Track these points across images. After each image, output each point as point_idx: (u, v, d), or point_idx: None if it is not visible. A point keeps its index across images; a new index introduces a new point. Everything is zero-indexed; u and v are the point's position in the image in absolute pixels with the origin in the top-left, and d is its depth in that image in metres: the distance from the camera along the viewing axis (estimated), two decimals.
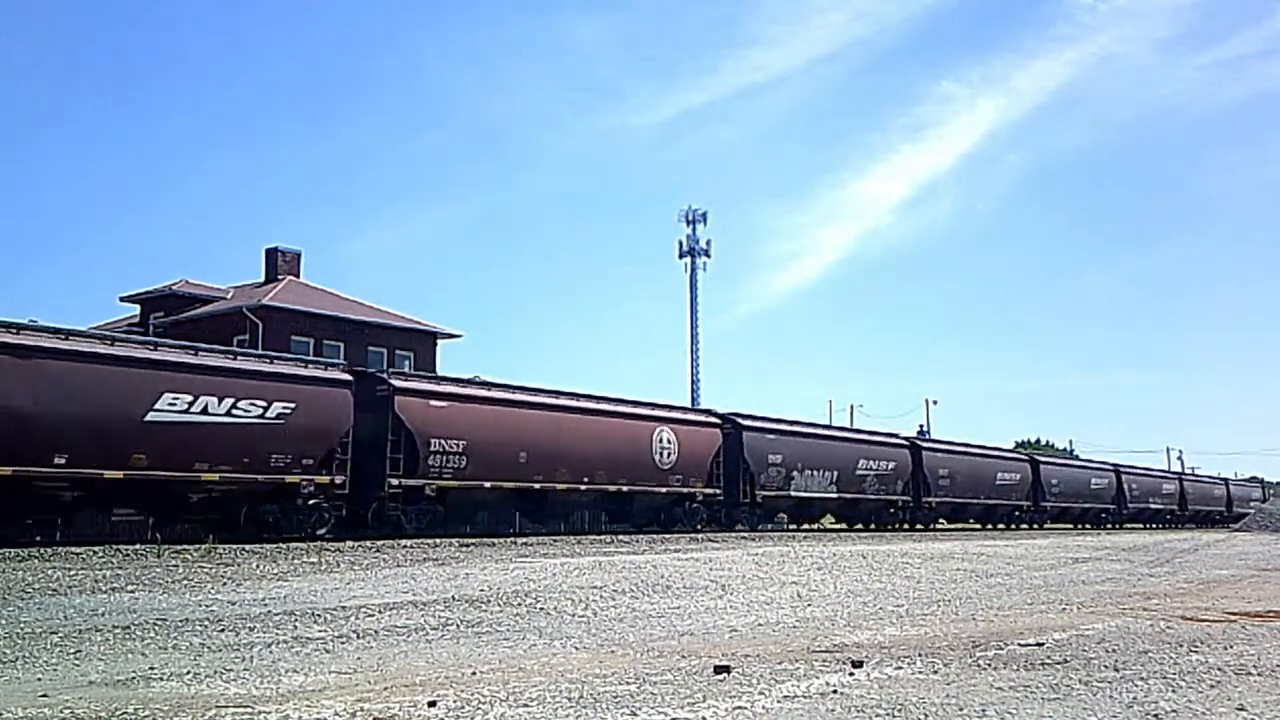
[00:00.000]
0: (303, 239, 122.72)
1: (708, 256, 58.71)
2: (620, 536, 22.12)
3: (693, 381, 56.00)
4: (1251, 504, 62.85)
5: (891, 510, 34.27)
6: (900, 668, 6.25)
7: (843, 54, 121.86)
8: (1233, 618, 9.75)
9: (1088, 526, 45.69)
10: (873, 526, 33.42)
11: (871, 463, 33.38)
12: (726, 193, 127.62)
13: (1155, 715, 4.90)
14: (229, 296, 37.88)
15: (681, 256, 58.80)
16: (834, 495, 31.45)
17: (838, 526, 33.40)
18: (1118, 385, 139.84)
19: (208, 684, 5.74)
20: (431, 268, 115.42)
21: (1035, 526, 41.02)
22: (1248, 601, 11.84)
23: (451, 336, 40.31)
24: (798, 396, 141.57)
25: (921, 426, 59.78)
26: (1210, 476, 69.80)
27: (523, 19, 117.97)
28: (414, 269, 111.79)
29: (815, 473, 30.52)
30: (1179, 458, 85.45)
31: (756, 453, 28.39)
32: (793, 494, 29.69)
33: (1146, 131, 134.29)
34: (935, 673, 6.08)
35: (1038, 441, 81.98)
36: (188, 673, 6.09)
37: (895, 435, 37.06)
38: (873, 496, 33.27)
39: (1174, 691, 5.53)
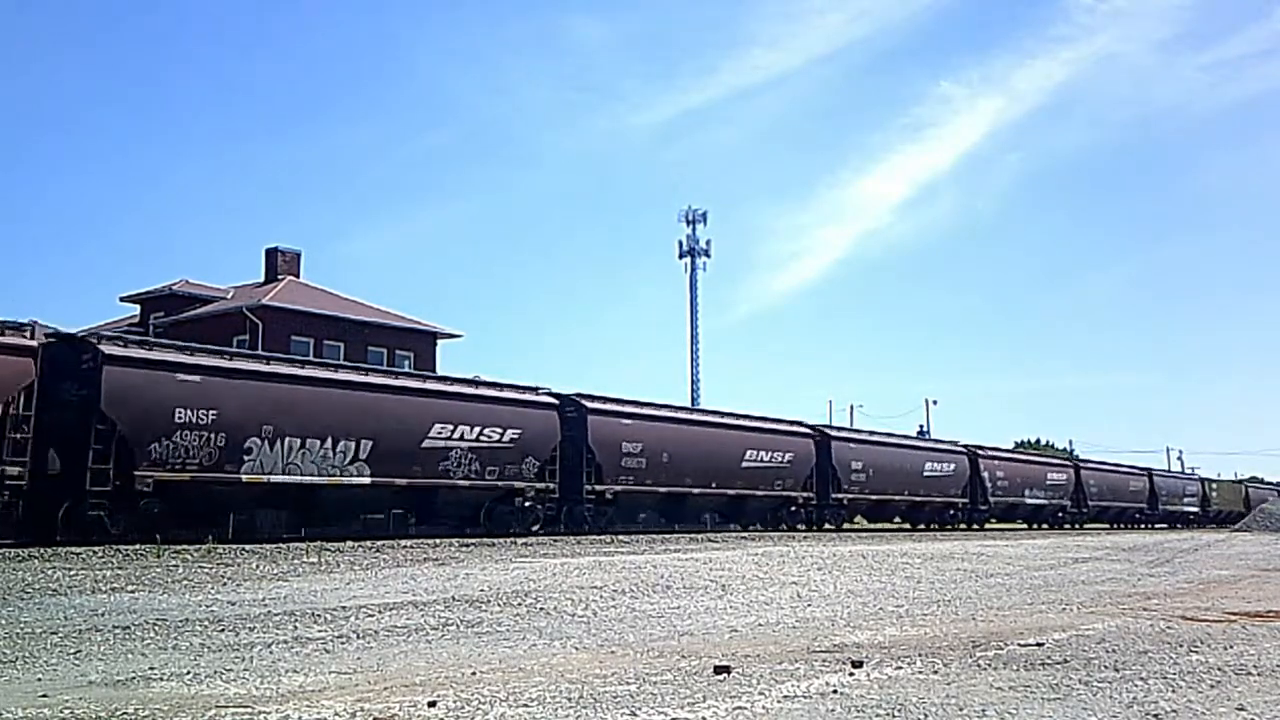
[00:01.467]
0: (303, 239, 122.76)
1: (708, 256, 58.82)
2: (620, 537, 22.13)
3: (693, 381, 56.03)
4: (1186, 499, 59.27)
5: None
6: (900, 668, 6.25)
7: (842, 54, 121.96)
8: (1233, 618, 9.75)
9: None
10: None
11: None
12: (726, 193, 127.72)
13: (1155, 715, 4.90)
14: (229, 296, 37.88)
15: (681, 256, 58.91)
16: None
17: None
18: (1118, 385, 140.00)
19: (208, 684, 5.74)
20: (431, 268, 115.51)
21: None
22: (1248, 601, 11.84)
23: (451, 336, 40.33)
24: (798, 396, 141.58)
25: (921, 426, 59.81)
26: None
27: (523, 19, 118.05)
28: (414, 269, 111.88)
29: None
30: (1179, 458, 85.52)
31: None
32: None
33: (1146, 132, 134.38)
34: (935, 673, 6.08)
35: (1037, 441, 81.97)
36: (188, 673, 6.09)
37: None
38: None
39: (1174, 691, 5.53)
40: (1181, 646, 7.42)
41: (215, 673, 6.09)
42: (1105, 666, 6.39)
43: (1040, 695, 5.34)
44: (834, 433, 33.81)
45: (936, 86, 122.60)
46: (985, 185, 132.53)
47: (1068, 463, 44.20)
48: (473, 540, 18.90)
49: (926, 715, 4.80)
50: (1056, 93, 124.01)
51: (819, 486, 31.29)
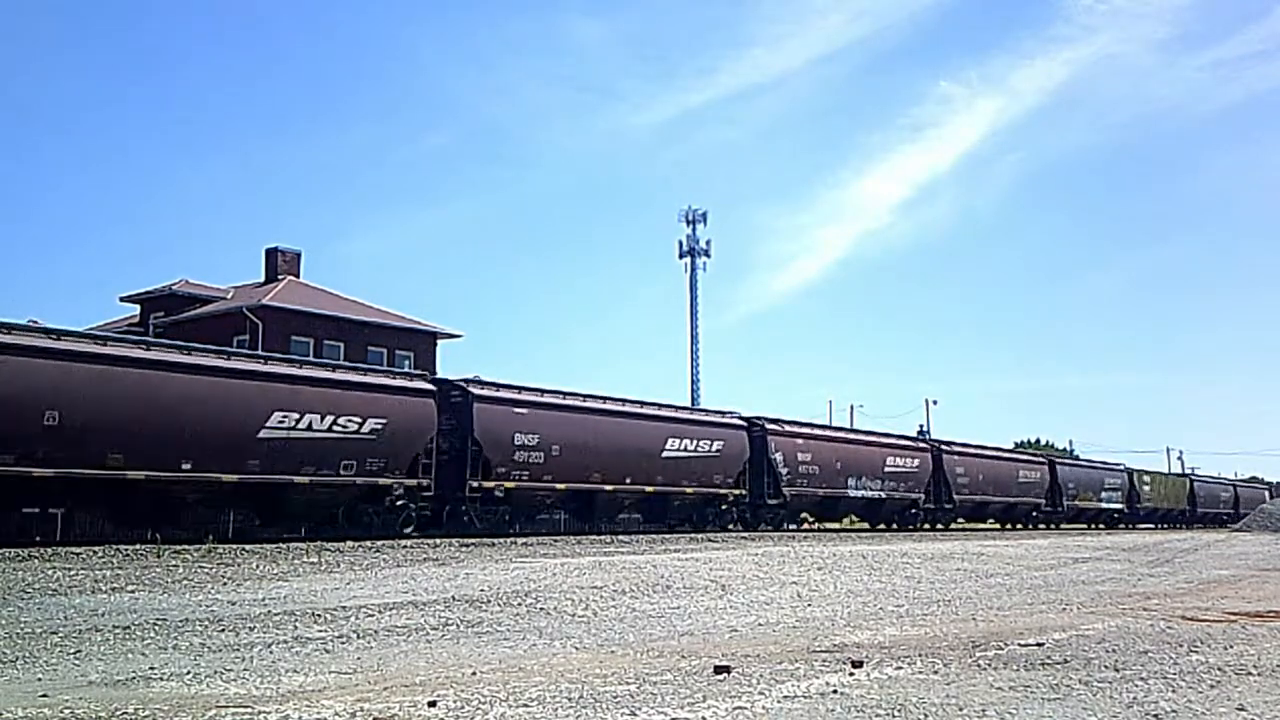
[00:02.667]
0: (303, 239, 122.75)
1: (708, 256, 58.73)
2: (620, 537, 22.12)
3: (693, 381, 56.03)
4: (1106, 494, 51.57)
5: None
6: (900, 668, 6.24)
7: (842, 54, 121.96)
8: (1233, 618, 9.75)
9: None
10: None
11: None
12: (726, 193, 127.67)
13: (1155, 715, 4.90)
14: (229, 296, 37.87)
15: (681, 256, 58.81)
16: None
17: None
18: (1118, 385, 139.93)
19: (208, 684, 5.74)
20: (431, 268, 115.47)
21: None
22: (1248, 601, 11.84)
23: (451, 336, 40.31)
24: (798, 396, 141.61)
25: (921, 426, 59.81)
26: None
27: (523, 19, 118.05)
28: (414, 269, 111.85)
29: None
30: (1179, 458, 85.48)
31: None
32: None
33: (1146, 132, 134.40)
34: (935, 673, 6.08)
35: (1037, 441, 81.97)
36: (188, 673, 6.09)
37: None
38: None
39: (1174, 691, 5.53)
40: (1181, 646, 7.42)
41: (215, 673, 6.09)
42: (1105, 666, 6.39)
43: (1040, 695, 5.34)
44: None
45: (936, 87, 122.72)
46: (985, 185, 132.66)
47: (926, 447, 37.26)
48: (472, 540, 18.90)
49: (926, 715, 4.80)
50: (1056, 93, 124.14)
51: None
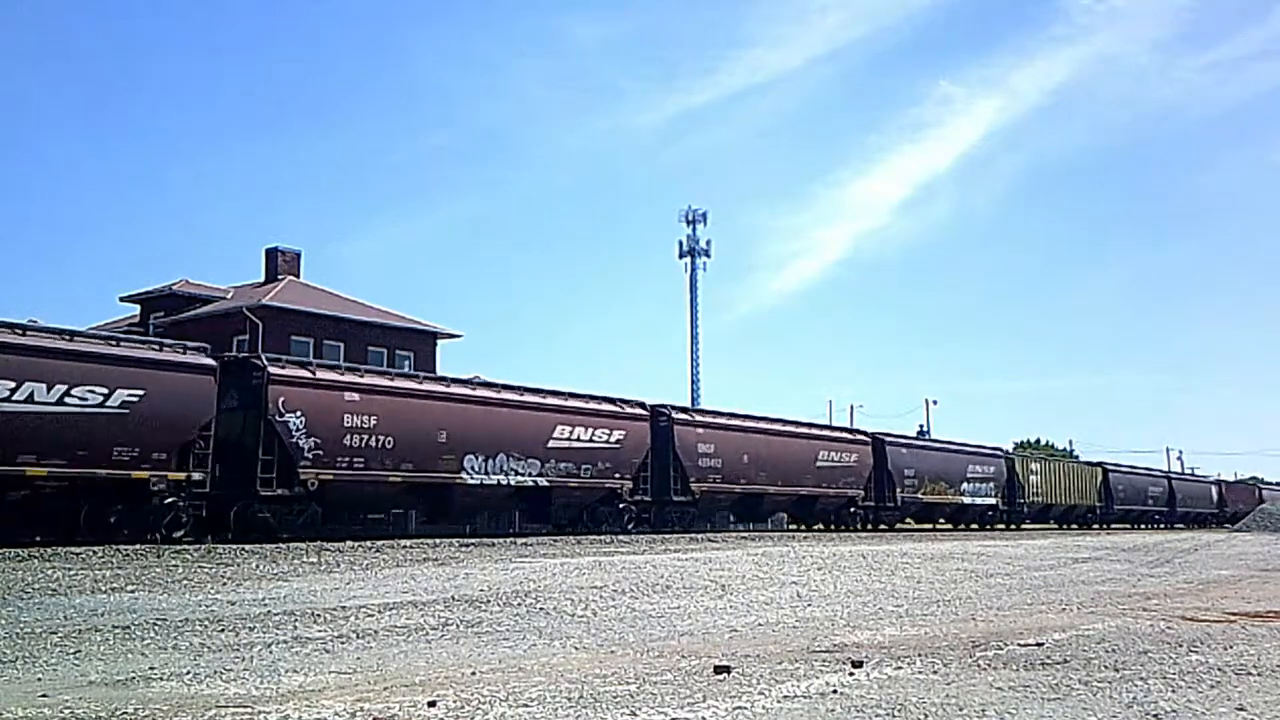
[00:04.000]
0: (303, 239, 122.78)
1: (708, 256, 58.71)
2: (620, 537, 22.12)
3: (693, 381, 56.02)
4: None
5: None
6: (900, 668, 6.24)
7: (841, 54, 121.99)
8: (1233, 618, 9.75)
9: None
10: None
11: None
12: (726, 193, 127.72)
13: (1155, 715, 4.90)
14: (229, 296, 37.87)
15: (681, 256, 58.79)
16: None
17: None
18: (1118, 385, 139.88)
19: (208, 684, 5.74)
20: (431, 268, 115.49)
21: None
22: (1248, 601, 11.84)
23: (451, 336, 40.31)
24: (798, 396, 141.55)
25: (921, 426, 59.80)
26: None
27: (523, 19, 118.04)
28: (414, 269, 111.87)
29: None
30: (1179, 458, 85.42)
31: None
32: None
33: (1145, 132, 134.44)
34: (935, 673, 6.08)
35: (1037, 441, 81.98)
36: (188, 673, 6.09)
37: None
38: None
39: (1174, 691, 5.53)
40: (1181, 646, 7.41)
41: (215, 673, 6.09)
42: (1105, 666, 6.39)
43: (1040, 695, 5.34)
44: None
45: (936, 87, 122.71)
46: (984, 185, 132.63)
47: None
48: (472, 540, 18.90)
49: (926, 715, 4.80)
50: (1056, 93, 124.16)
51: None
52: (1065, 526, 45.02)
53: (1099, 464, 49.95)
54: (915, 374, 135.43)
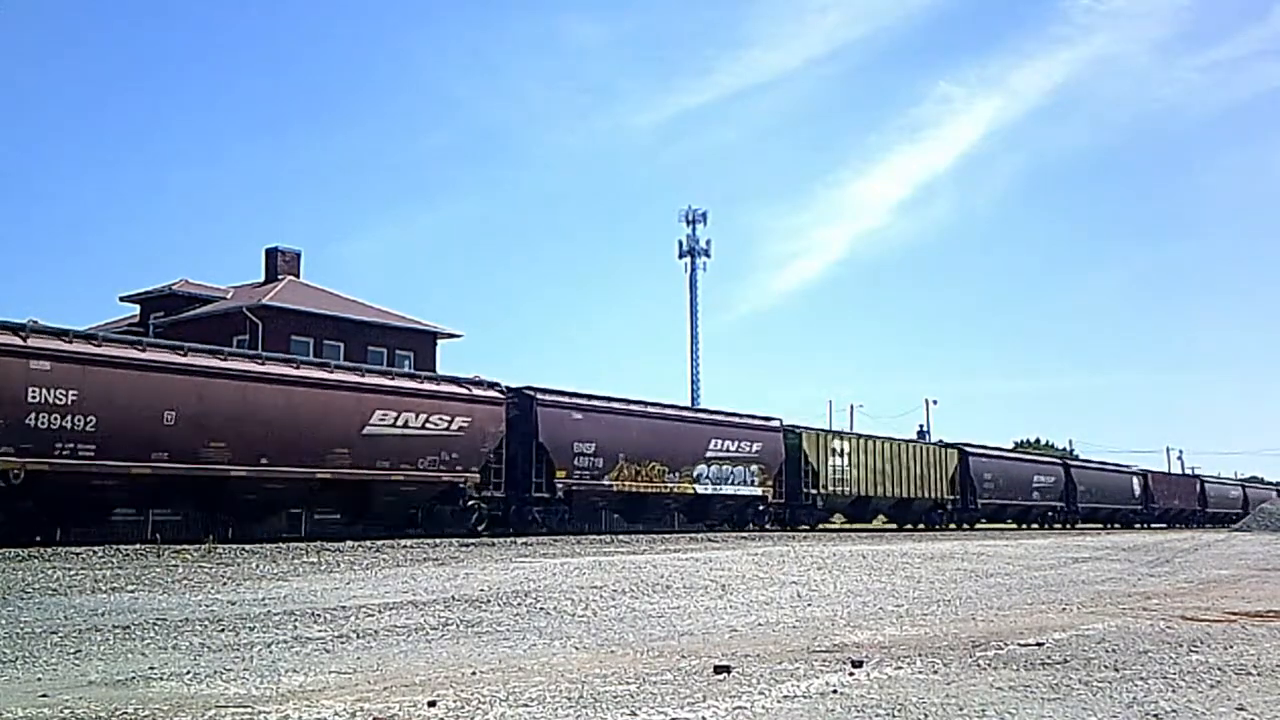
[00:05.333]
0: (303, 239, 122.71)
1: (708, 256, 58.75)
2: (620, 537, 22.13)
3: (693, 381, 56.04)
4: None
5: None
6: (900, 668, 6.24)
7: (841, 54, 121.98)
8: (1233, 618, 9.75)
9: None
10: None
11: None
12: (726, 193, 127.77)
13: (1155, 715, 4.90)
14: (229, 296, 37.86)
15: (681, 256, 58.84)
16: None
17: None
18: (1118, 385, 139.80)
19: (208, 684, 5.74)
20: (431, 268, 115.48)
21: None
22: (1248, 601, 11.84)
23: (451, 336, 40.30)
24: (798, 396, 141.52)
25: (921, 426, 59.80)
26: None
27: (522, 20, 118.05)
28: (414, 269, 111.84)
29: None
30: (1179, 458, 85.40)
31: None
32: None
33: (1145, 132, 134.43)
34: (935, 673, 6.08)
35: (1037, 441, 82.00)
36: (188, 673, 6.09)
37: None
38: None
39: (1174, 691, 5.53)
40: (1181, 646, 7.42)
41: (215, 673, 6.09)
42: (1105, 666, 6.39)
43: (1040, 695, 5.34)
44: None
45: (935, 87, 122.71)
46: (984, 185, 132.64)
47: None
48: (473, 540, 18.89)
49: (926, 715, 4.80)
50: (1055, 93, 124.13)
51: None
52: (904, 527, 36.21)
53: (957, 446, 39.54)
54: (915, 374, 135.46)
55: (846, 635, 8.13)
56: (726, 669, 6.02)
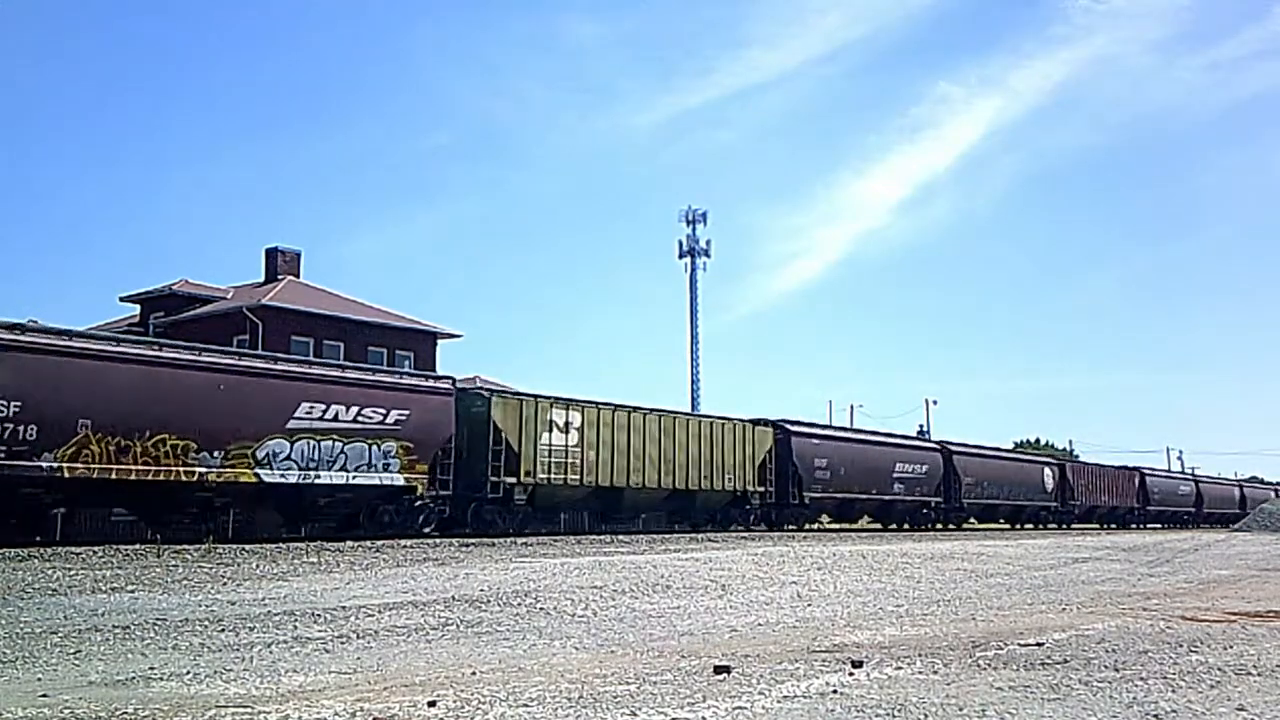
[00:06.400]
0: (303, 239, 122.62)
1: (708, 256, 58.66)
2: (620, 537, 22.14)
3: (693, 381, 56.03)
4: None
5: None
6: (900, 668, 6.25)
7: (840, 54, 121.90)
8: (1233, 618, 9.75)
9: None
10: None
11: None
12: (725, 193, 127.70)
13: (1155, 715, 4.90)
14: (229, 296, 37.86)
15: (681, 256, 58.76)
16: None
17: None
18: (1118, 385, 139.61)
19: (208, 684, 5.74)
20: (431, 268, 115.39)
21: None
22: (1248, 601, 11.84)
23: (451, 336, 40.31)
24: (798, 396, 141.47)
25: (921, 426, 59.78)
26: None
27: (521, 20, 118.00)
28: (414, 269, 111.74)
29: None
30: (1179, 458, 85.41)
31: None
32: None
33: (1144, 132, 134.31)
34: (935, 673, 6.08)
35: (1037, 441, 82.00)
36: (188, 673, 6.09)
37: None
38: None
39: (1174, 691, 5.53)
40: (1181, 646, 7.42)
41: (215, 673, 6.09)
42: (1105, 666, 6.40)
43: (1040, 695, 5.34)
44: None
45: (935, 87, 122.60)
46: (984, 185, 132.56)
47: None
48: (473, 540, 18.89)
49: (926, 715, 4.80)
50: (1055, 93, 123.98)
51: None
52: (693, 530, 28.22)
53: (775, 423, 30.20)
54: (915, 374, 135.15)
55: (846, 635, 8.13)
56: (726, 669, 6.02)
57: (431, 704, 4.95)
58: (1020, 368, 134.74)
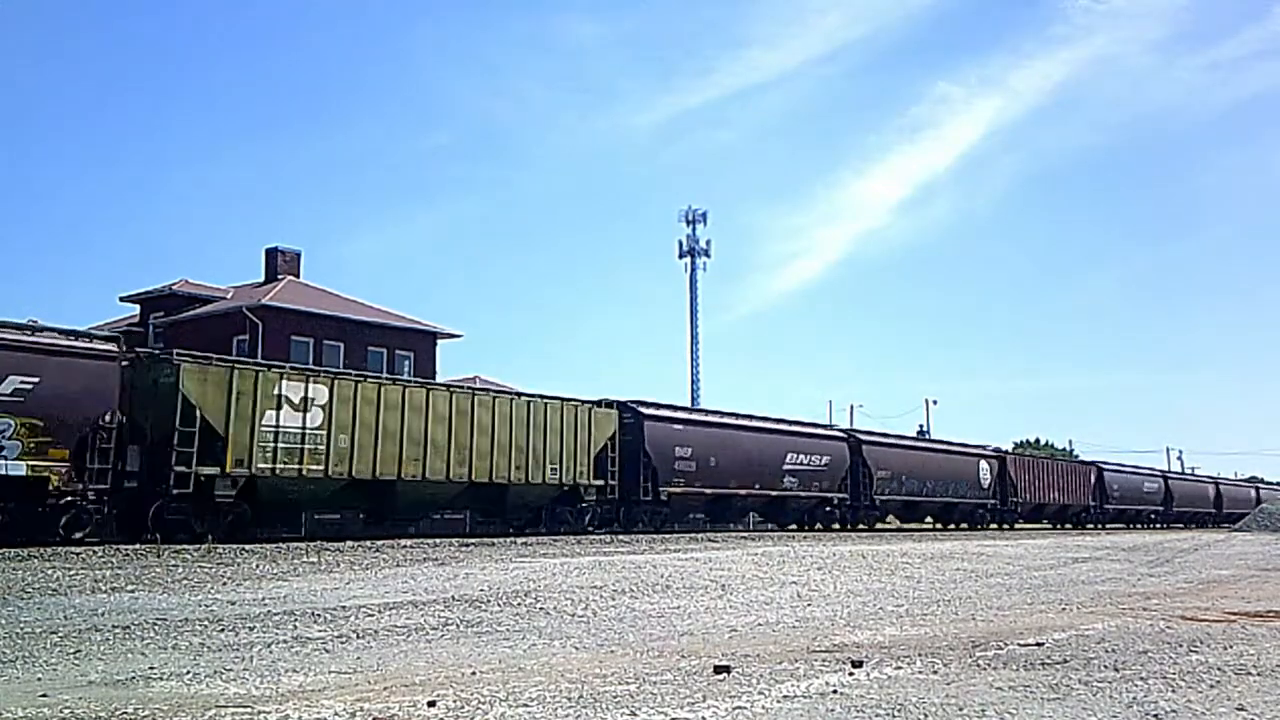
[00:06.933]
0: (303, 239, 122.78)
1: (708, 256, 58.79)
2: (620, 537, 22.12)
3: (693, 381, 56.03)
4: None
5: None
6: (900, 668, 6.24)
7: (840, 54, 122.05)
8: (1233, 618, 9.75)
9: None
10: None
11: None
12: (725, 193, 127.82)
13: (1155, 715, 4.90)
14: (229, 296, 37.87)
15: (681, 256, 58.87)
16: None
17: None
18: (1118, 385, 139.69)
19: (208, 684, 5.74)
20: (431, 268, 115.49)
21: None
22: (1248, 601, 11.84)
23: (451, 336, 40.32)
24: (798, 396, 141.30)
25: (921, 426, 59.76)
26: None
27: (521, 20, 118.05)
28: (414, 269, 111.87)
29: None
30: (1179, 458, 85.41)
31: None
32: None
33: (1144, 132, 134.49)
34: (935, 673, 6.08)
35: (1037, 441, 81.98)
36: (188, 673, 6.09)
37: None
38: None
39: (1174, 691, 5.53)
40: (1181, 646, 7.41)
41: (215, 673, 6.09)
42: (1105, 666, 6.39)
43: (1040, 695, 5.34)
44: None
45: (934, 87, 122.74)
46: (984, 185, 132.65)
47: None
48: (473, 540, 18.89)
49: (926, 715, 4.80)
50: (1054, 93, 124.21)
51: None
52: (501, 532, 23.59)
53: (621, 404, 25.88)
54: (915, 374, 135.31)
55: (846, 635, 8.13)
56: (726, 669, 6.02)
57: (431, 704, 4.95)
58: (1020, 368, 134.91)
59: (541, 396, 23.58)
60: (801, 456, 30.57)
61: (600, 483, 24.48)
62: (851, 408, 65.25)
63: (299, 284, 38.69)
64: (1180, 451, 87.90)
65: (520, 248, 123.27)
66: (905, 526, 36.26)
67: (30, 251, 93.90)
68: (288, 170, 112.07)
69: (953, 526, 37.65)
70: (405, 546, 16.60)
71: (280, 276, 38.54)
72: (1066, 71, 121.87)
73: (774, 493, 29.62)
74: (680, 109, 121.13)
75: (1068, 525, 44.62)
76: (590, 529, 23.81)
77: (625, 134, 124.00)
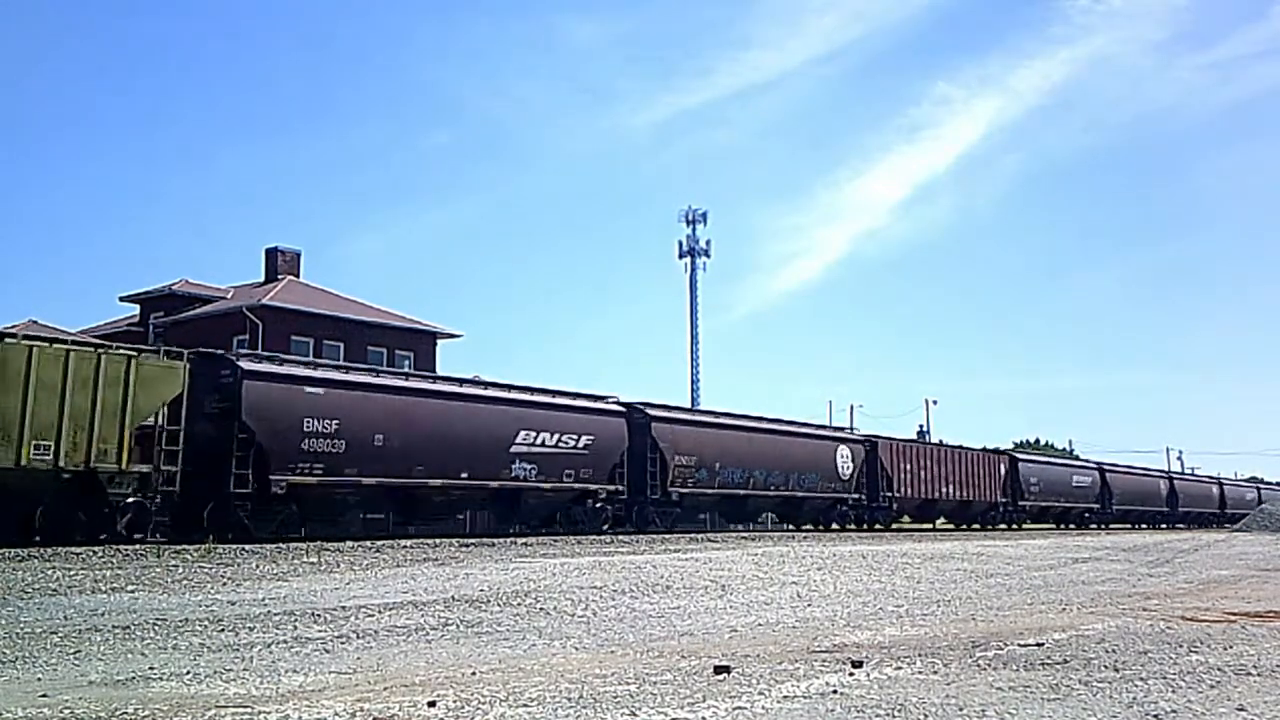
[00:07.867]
0: (303, 239, 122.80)
1: (708, 256, 58.76)
2: (621, 536, 22.12)
3: (693, 381, 56.02)
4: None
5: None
6: (900, 668, 6.24)
7: (839, 55, 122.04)
8: (1233, 618, 9.75)
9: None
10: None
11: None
12: (725, 193, 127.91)
13: (1155, 715, 4.90)
14: (229, 296, 37.86)
15: (681, 256, 58.84)
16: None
17: None
18: (1118, 385, 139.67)
19: (208, 684, 5.74)
20: (431, 268, 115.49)
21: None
22: (1248, 601, 11.83)
23: (451, 336, 40.34)
24: (798, 396, 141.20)
25: (921, 426, 59.74)
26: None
27: (521, 20, 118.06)
28: (414, 269, 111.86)
29: None
30: (1179, 458, 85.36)
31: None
32: None
33: (1144, 132, 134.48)
34: (935, 673, 6.07)
35: (1037, 441, 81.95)
36: (188, 673, 6.09)
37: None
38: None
39: (1174, 691, 5.53)
40: (1181, 646, 7.41)
41: (215, 673, 6.09)
42: (1105, 666, 6.39)
43: (1040, 695, 5.34)
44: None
45: (934, 87, 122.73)
46: (983, 185, 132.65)
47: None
48: (473, 540, 18.89)
49: (926, 715, 4.80)
50: (1054, 93, 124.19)
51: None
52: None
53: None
54: (915, 374, 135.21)
55: (846, 635, 8.13)
56: (726, 669, 6.02)
57: (431, 704, 4.95)
58: (1020, 368, 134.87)
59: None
60: (566, 438, 23.60)
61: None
62: (851, 407, 65.21)
63: (299, 284, 38.69)
64: (1180, 452, 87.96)
65: (520, 247, 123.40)
66: (708, 533, 26.97)
67: (30, 251, 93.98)
68: (288, 170, 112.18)
69: (792, 528, 30.98)
70: (405, 547, 16.59)
71: (280, 276, 38.54)
72: (1066, 71, 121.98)
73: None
74: (680, 109, 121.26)
75: (974, 525, 38.06)
76: (605, 529, 23.90)
77: (625, 134, 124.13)
